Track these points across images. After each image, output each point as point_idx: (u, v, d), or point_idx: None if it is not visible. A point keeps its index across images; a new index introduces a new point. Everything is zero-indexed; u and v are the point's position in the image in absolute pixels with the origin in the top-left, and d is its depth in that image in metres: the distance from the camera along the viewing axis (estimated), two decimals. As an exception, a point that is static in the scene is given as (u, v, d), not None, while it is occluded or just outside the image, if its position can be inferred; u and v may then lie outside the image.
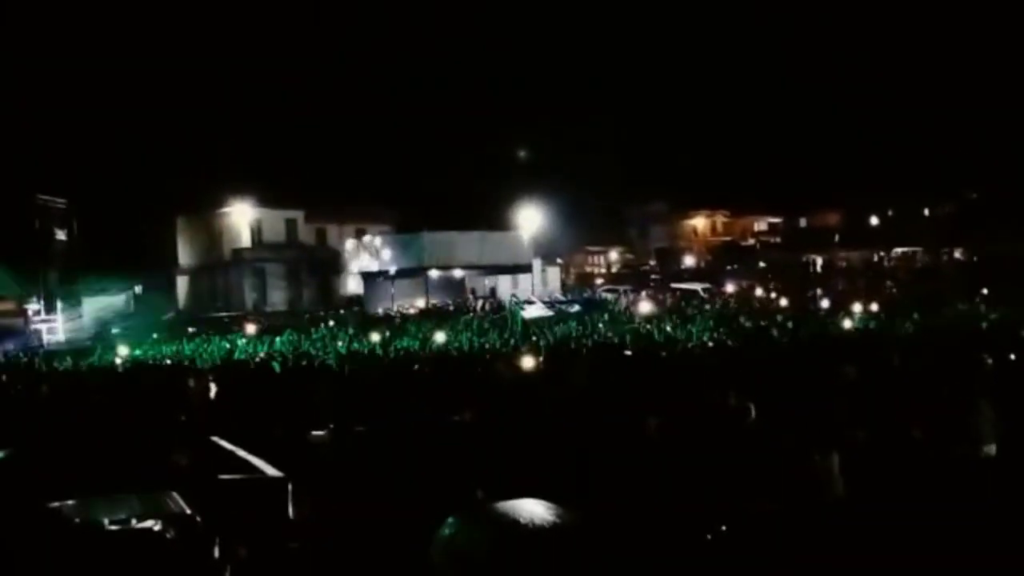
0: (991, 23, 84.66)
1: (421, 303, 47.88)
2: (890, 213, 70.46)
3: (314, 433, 12.15)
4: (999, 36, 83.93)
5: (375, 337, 28.68)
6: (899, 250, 64.90)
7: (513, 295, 46.49)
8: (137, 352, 29.42)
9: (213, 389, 15.88)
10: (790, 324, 25.57)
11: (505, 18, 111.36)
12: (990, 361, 11.41)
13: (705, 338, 22.52)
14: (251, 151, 62.36)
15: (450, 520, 4.67)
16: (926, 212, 69.33)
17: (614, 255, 79.25)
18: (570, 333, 27.37)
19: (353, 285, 56.35)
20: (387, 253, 54.00)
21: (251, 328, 34.92)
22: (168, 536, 6.99)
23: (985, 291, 33.87)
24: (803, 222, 79.68)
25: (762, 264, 61.93)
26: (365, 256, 55.79)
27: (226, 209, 57.67)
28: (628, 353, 20.35)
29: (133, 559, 6.76)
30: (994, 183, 61.37)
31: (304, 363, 22.03)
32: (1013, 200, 54.27)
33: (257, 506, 8.49)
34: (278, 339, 30.02)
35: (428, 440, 10.53)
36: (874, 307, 30.11)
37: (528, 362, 17.70)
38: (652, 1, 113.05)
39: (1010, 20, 79.85)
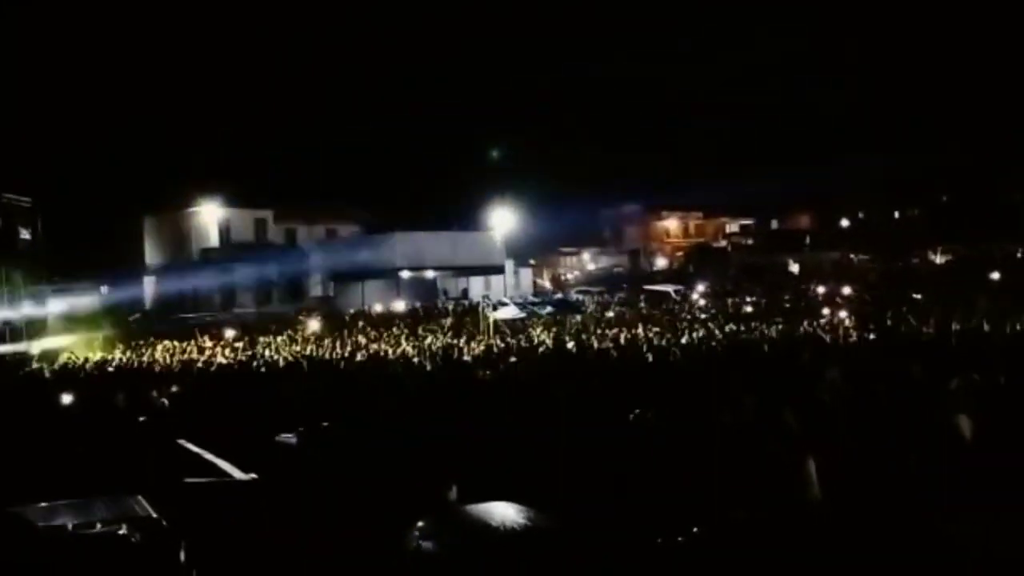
0: (964, 26, 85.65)
1: (393, 305, 47.62)
2: (861, 215, 71.18)
3: (282, 435, 12.02)
4: (972, 39, 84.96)
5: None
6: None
7: (485, 296, 46.41)
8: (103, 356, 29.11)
9: (165, 402, 15.61)
10: (766, 329, 25.57)
11: (478, 18, 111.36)
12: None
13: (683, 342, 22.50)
14: (220, 150, 62.03)
15: (421, 523, 4.61)
16: (896, 215, 70.12)
17: (587, 256, 79.42)
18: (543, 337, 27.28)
19: (323, 286, 56.00)
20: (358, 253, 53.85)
21: (230, 333, 34.49)
22: (134, 540, 6.87)
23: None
24: (775, 224, 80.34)
25: (735, 267, 62.19)
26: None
27: (194, 208, 57.21)
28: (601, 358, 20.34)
29: (98, 563, 6.63)
30: (964, 185, 62.15)
31: (271, 365, 21.89)
32: (983, 202, 54.93)
33: (224, 509, 8.38)
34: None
35: (400, 441, 10.44)
36: (842, 314, 30.22)
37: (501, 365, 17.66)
38: (625, 2, 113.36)
39: (983, 22, 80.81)
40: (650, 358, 19.06)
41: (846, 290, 39.79)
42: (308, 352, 26.17)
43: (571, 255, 79.08)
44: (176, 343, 31.00)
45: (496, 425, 10.83)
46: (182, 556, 6.99)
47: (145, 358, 27.91)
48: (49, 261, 50.21)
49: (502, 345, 24.67)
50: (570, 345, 23.77)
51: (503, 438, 10.02)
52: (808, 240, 67.63)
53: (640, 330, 26.98)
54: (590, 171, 71.30)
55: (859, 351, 18.31)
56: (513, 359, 19.77)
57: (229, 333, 34.30)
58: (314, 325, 35.37)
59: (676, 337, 24.17)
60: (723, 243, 78.40)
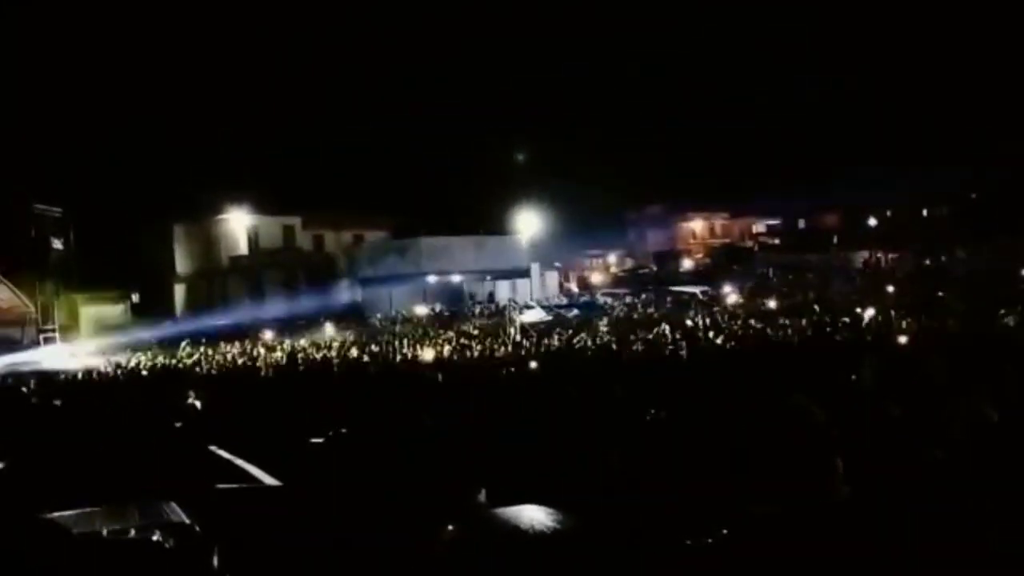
0: (989, 26, 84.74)
1: (419, 309, 47.75)
2: (888, 214, 70.50)
3: (313, 440, 12.08)
4: (997, 38, 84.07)
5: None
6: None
7: (511, 299, 46.43)
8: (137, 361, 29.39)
9: (198, 404, 15.78)
10: (793, 328, 25.40)
11: (503, 22, 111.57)
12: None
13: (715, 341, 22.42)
14: (248, 158, 62.48)
15: (450, 527, 4.63)
16: (924, 213, 69.38)
17: (613, 259, 79.26)
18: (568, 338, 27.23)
19: (351, 291, 56.24)
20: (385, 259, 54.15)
21: (262, 338, 34.82)
22: (167, 546, 6.93)
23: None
24: (802, 223, 79.77)
25: (762, 267, 61.75)
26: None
27: (223, 216, 57.67)
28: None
29: (131, 569, 6.69)
30: (993, 184, 61.44)
31: (301, 369, 22.02)
32: (1012, 201, 54.25)
33: (256, 515, 8.44)
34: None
35: (428, 444, 10.46)
36: (870, 311, 29.97)
37: (528, 367, 17.67)
38: (650, 5, 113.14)
39: (1008, 22, 79.92)
40: (679, 356, 19.02)
41: (875, 289, 39.47)
42: (340, 357, 26.27)
43: (597, 257, 78.98)
44: (208, 349, 31.25)
45: (523, 426, 10.84)
46: (215, 562, 7.04)
47: (179, 364, 28.15)
48: (81, 270, 50.81)
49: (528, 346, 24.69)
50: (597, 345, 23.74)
51: (530, 439, 10.02)
52: (836, 239, 67.05)
53: (667, 329, 26.88)
54: (615, 173, 71.12)
55: (888, 348, 18.16)
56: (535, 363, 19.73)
57: (261, 339, 34.60)
58: (337, 332, 35.60)
59: (703, 336, 24.07)
60: (750, 243, 77.96)
